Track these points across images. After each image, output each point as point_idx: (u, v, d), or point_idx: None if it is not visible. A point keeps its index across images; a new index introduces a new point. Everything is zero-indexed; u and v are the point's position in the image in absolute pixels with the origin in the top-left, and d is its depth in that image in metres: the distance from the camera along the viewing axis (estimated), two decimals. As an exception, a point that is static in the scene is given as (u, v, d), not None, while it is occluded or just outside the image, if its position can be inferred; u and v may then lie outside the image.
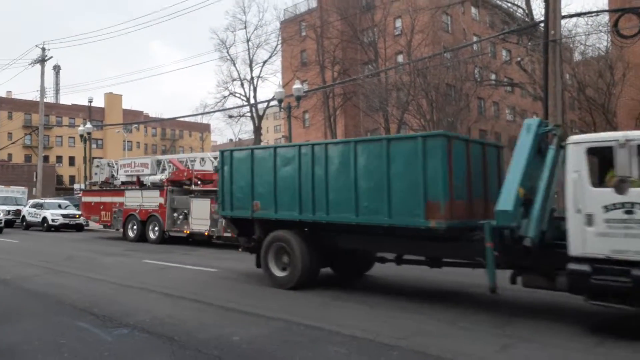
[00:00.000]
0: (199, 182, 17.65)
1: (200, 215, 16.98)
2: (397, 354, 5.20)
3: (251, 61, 43.49)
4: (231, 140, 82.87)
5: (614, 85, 19.12)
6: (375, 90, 27.15)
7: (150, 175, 19.83)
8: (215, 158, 18.23)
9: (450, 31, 39.38)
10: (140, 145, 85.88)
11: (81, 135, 31.42)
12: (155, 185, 19.21)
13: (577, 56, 28.74)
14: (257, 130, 44.45)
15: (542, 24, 15.61)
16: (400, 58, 35.54)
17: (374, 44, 35.03)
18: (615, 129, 19.66)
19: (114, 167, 22.18)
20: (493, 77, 35.67)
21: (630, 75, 19.45)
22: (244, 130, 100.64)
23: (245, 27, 45.01)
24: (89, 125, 31.06)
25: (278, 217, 9.14)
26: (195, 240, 18.35)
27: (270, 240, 9.24)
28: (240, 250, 10.50)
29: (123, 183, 21.01)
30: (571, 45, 27.95)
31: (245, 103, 43.36)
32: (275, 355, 5.16)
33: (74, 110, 74.32)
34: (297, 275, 8.70)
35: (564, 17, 15.00)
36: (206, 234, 16.82)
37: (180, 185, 18.50)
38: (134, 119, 75.88)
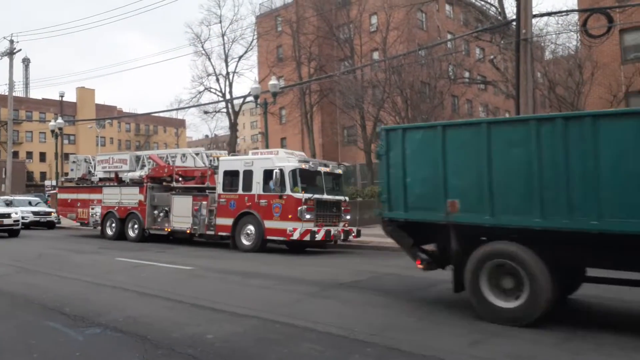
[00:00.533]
0: (180, 179, 17.39)
1: (182, 212, 16.69)
2: (371, 350, 5.26)
3: (227, 56, 43.20)
4: (207, 136, 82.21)
5: (583, 84, 19.65)
6: (351, 87, 27.29)
7: (129, 171, 19.42)
8: (196, 154, 17.98)
9: (425, 28, 39.78)
10: (114, 141, 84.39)
11: (52, 131, 30.74)
12: (134, 182, 18.83)
13: (548, 55, 29.40)
14: (233, 126, 44.18)
15: (514, 23, 15.92)
16: (376, 55, 35.76)
17: (349, 40, 35.14)
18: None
19: (90, 163, 21.69)
20: (467, 75, 36.20)
21: (599, 75, 20.00)
22: (220, 126, 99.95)
23: (221, 22, 44.76)
24: (60, 120, 30.39)
25: (500, 224, 6.36)
26: (177, 238, 18.09)
27: (482, 256, 6.48)
28: (421, 267, 7.39)
29: (101, 179, 20.62)
30: (542, 44, 28.58)
31: (221, 99, 43.04)
32: (249, 352, 5.17)
33: (45, 104, 72.53)
34: (539, 308, 5.99)
35: (535, 16, 15.31)
36: (188, 231, 16.52)
37: (161, 181, 18.25)
38: (107, 114, 74.54)
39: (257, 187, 14.81)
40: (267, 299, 7.96)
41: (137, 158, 19.90)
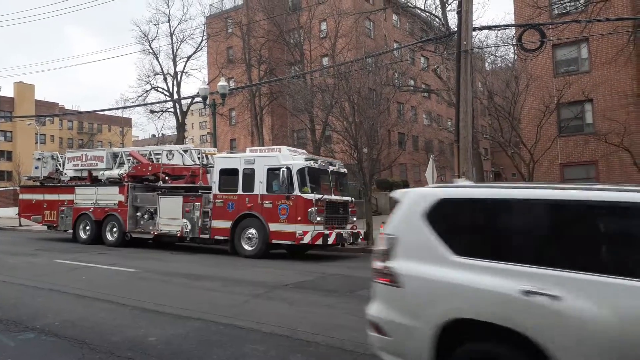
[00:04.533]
0: (166, 178, 16.15)
1: (171, 214, 15.41)
2: (313, 350, 5.38)
3: (175, 55, 42.37)
4: (154, 135, 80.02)
5: (519, 94, 20.69)
6: (301, 91, 27.49)
7: (105, 169, 17.88)
8: (184, 151, 16.49)
9: (373, 36, 40.65)
10: (55, 139, 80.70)
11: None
12: (112, 181, 17.42)
13: (488, 66, 30.81)
14: (181, 126, 43.34)
15: (456, 35, 16.62)
16: (325, 60, 36.16)
17: (299, 45, 35.36)
18: (519, 135, 21.29)
19: (58, 160, 19.95)
20: (411, 83, 37.27)
21: (533, 86, 21.14)
22: (167, 126, 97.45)
23: (169, 21, 44.01)
24: (-5, 116, 28.72)
25: None
26: (162, 242, 17.00)
27: None
28: None
29: (72, 178, 18.94)
30: (483, 56, 29.92)
31: (169, 98, 42.14)
32: (191, 355, 5.17)
33: (-22, 99, 68.27)
34: None
35: (475, 29, 16.03)
36: (178, 235, 15.35)
37: (142, 181, 17.01)
38: (48, 110, 71.22)
39: (259, 187, 13.63)
40: (211, 300, 7.93)
41: (115, 155, 18.38)
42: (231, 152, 18.41)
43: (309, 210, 12.92)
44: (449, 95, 27.14)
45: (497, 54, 28.65)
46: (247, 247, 13.77)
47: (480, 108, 29.18)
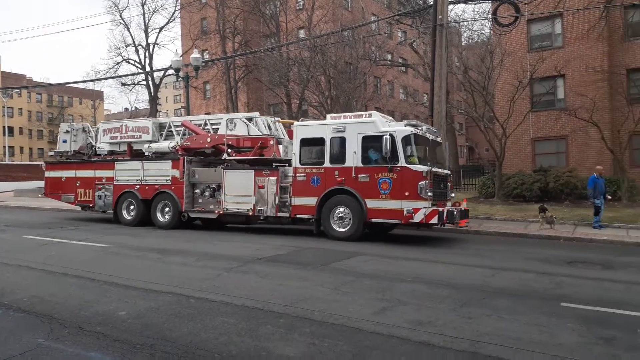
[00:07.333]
0: (229, 151, 14.32)
1: (239, 191, 13.73)
2: (283, 321, 5.45)
3: (147, 26, 41.28)
4: (126, 109, 78.36)
5: (493, 69, 20.87)
6: (277, 64, 27.15)
7: (151, 142, 16.06)
8: (249, 120, 14.59)
9: (350, 9, 40.17)
10: (23, 112, 78.45)
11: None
12: (160, 155, 15.74)
13: (464, 41, 30.88)
14: (153, 99, 42.50)
15: (432, 8, 16.56)
16: (302, 33, 35.69)
17: (275, 16, 34.77)
18: (492, 110, 21.55)
19: (89, 132, 18.12)
20: (388, 57, 37.12)
21: (507, 61, 21.34)
22: (141, 99, 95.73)
23: (140, -10, 42.46)
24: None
25: None
26: (225, 222, 15.32)
27: None
28: None
29: (110, 153, 17.22)
30: (460, 30, 29.94)
31: (140, 71, 41.16)
32: (162, 328, 5.18)
33: (-63, 70, 65.53)
34: None
35: (451, 2, 16.03)
36: (250, 214, 13.61)
37: (196, 154, 15.44)
38: (15, 83, 68.92)
39: (353, 159, 11.98)
40: (184, 275, 7.93)
41: (161, 126, 16.50)
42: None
43: (419, 184, 11.24)
44: (425, 70, 27.18)
45: (473, 29, 28.70)
46: (338, 229, 12.24)
47: (456, 83, 29.33)
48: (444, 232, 13.91)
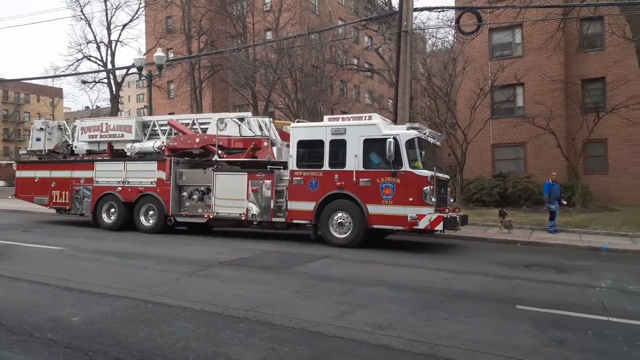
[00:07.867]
0: (219, 152, 13.72)
1: (231, 194, 13.07)
2: (243, 326, 5.38)
3: (109, 23, 40.34)
4: (87, 107, 76.17)
5: (456, 76, 21.35)
6: (243, 65, 26.93)
7: (134, 141, 15.21)
8: (240, 120, 13.97)
9: (317, 12, 40.33)
10: (-26, 108, 75.06)
11: None
12: (143, 155, 14.99)
13: (429, 48, 31.46)
14: (115, 98, 41.48)
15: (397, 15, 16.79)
16: (269, 35, 35.58)
17: (242, 17, 34.55)
18: (454, 116, 22.04)
19: (66, 130, 17.16)
20: (355, 61, 37.44)
21: (469, 69, 21.89)
22: (102, 97, 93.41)
23: (103, -15, 41.37)
24: None
25: None
26: (213, 227, 14.58)
27: None
28: None
29: (89, 152, 16.30)
30: (425, 37, 30.48)
31: (102, 68, 40.10)
32: (117, 333, 5.03)
33: None
34: None
35: (416, 9, 16.27)
36: (243, 218, 12.95)
37: (185, 155, 14.77)
38: (-35, 77, 65.77)
39: (354, 162, 11.51)
40: (142, 279, 7.74)
41: (145, 125, 15.69)
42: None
43: (424, 189, 10.86)
44: (390, 76, 27.52)
45: (437, 36, 29.27)
46: (337, 235, 11.75)
47: (420, 89, 29.83)
48: (406, 235, 14.08)
